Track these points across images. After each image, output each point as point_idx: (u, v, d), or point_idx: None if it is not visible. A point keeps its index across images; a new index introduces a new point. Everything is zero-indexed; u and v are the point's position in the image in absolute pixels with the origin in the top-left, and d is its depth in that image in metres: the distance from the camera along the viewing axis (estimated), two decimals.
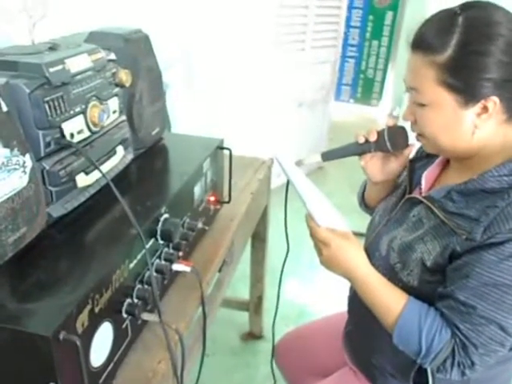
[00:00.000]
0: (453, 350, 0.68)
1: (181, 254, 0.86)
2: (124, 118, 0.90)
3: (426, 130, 0.75)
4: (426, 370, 0.78)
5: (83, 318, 0.58)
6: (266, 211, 1.48)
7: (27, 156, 0.63)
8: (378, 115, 4.49)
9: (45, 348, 0.52)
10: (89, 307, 0.59)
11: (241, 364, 1.64)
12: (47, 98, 0.67)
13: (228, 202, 1.12)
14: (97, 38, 0.90)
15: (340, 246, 0.75)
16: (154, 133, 1.02)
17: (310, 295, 1.99)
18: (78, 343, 0.54)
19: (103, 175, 0.73)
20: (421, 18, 0.74)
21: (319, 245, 0.77)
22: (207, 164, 1.00)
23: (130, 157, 0.93)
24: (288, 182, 0.91)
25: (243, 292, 1.75)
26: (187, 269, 0.84)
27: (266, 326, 1.75)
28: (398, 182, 0.93)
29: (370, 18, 4.44)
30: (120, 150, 0.88)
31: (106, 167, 0.82)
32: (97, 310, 0.61)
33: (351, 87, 4.68)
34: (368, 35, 4.50)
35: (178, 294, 0.86)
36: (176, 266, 0.83)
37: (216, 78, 2.38)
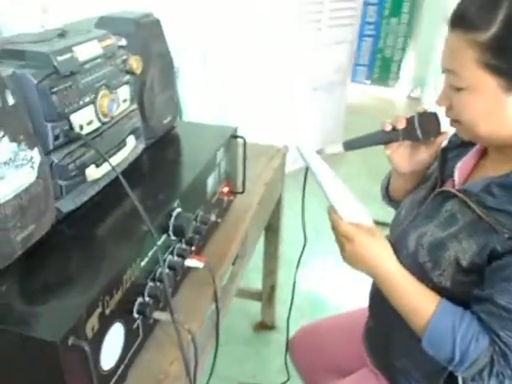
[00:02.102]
0: (491, 359, 0.63)
1: (193, 248, 0.84)
2: (135, 106, 0.87)
3: (463, 116, 0.69)
4: (456, 377, 0.73)
5: (93, 322, 0.56)
6: (280, 201, 1.44)
7: (35, 150, 0.61)
8: (396, 96, 4.37)
9: (53, 354, 0.50)
10: (99, 310, 0.57)
11: (253, 354, 1.64)
12: (55, 89, 0.64)
13: (242, 193, 1.09)
14: (107, 23, 0.86)
15: (364, 241, 0.71)
16: (165, 121, 0.98)
17: (325, 286, 1.96)
18: (87, 349, 0.52)
19: (113, 169, 0.71)
20: None
21: (342, 240, 0.73)
22: (221, 154, 0.96)
23: (142, 147, 0.90)
24: (306, 172, 0.87)
25: (255, 282, 1.73)
26: (200, 264, 0.82)
27: (278, 317, 1.74)
28: (428, 174, 0.86)
29: None
30: (131, 140, 0.84)
31: (116, 159, 0.79)
32: (107, 311, 0.59)
33: (368, 68, 4.55)
34: (386, 12, 4.34)
35: (190, 290, 0.84)
36: (189, 262, 0.81)
37: (227, 62, 2.32)
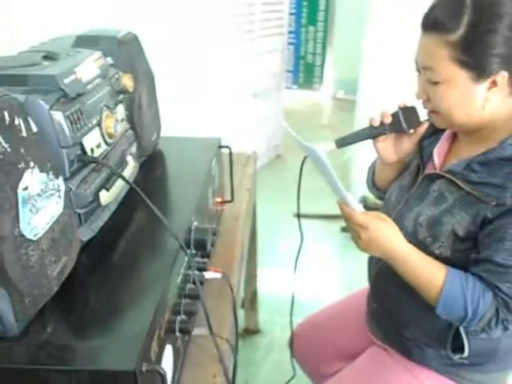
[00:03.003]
0: (497, 310, 0.73)
1: (205, 260, 0.84)
2: (128, 125, 0.85)
3: (440, 106, 0.79)
4: (460, 335, 0.82)
5: (154, 346, 0.54)
6: (255, 205, 1.47)
7: (60, 179, 0.58)
8: (322, 98, 4.61)
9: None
10: (157, 332, 0.55)
11: (243, 361, 1.63)
12: (67, 113, 0.62)
13: (231, 201, 1.09)
14: (86, 43, 0.83)
15: (378, 226, 0.77)
16: (153, 138, 0.97)
17: (300, 286, 1.98)
18: (162, 372, 0.51)
19: (135, 189, 0.68)
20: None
21: (357, 229, 0.77)
22: (214, 165, 0.97)
23: (137, 166, 0.88)
24: (301, 169, 0.93)
25: None
26: (218, 275, 0.82)
27: (260, 320, 1.75)
28: (407, 162, 0.95)
29: (304, 4, 4.51)
30: (130, 159, 0.82)
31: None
32: (162, 333, 0.57)
33: (293, 74, 4.74)
34: (304, 21, 4.58)
35: (210, 302, 0.83)
36: (207, 274, 0.80)
37: (169, 75, 2.29)
